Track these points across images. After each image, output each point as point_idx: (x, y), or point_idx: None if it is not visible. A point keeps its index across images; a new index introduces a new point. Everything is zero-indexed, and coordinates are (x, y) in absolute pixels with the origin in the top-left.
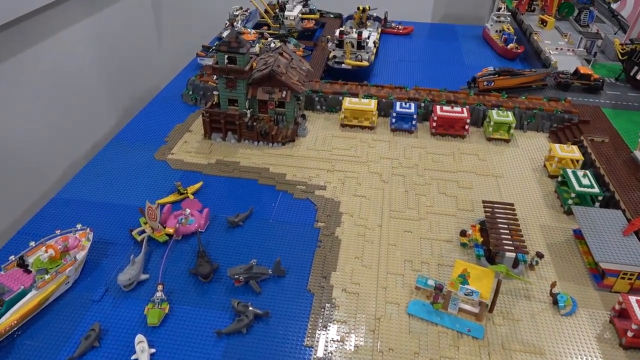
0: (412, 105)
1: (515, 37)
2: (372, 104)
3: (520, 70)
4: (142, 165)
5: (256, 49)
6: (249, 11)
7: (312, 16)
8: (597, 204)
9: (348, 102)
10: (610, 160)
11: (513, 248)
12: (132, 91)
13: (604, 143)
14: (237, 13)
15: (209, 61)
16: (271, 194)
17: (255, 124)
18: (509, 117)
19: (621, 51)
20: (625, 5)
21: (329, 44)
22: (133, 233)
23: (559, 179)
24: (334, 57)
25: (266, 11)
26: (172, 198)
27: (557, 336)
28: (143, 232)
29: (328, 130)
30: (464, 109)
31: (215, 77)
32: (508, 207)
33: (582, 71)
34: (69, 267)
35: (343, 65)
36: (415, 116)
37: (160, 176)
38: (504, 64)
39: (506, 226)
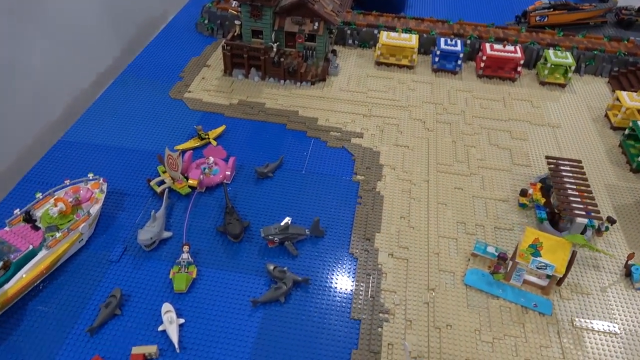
0: (458, 42)
1: None
2: (412, 40)
3: (577, 4)
4: (157, 105)
5: None
6: None
7: None
8: None
9: (386, 37)
10: None
11: (584, 212)
12: (137, 18)
13: None
14: None
15: None
16: (302, 140)
17: (282, 59)
18: (568, 58)
19: None
20: None
21: None
22: (151, 184)
23: (626, 131)
24: None
25: None
26: (192, 143)
27: (631, 313)
28: (162, 182)
29: (362, 69)
30: (517, 48)
31: (237, 4)
32: (575, 164)
33: None
34: (82, 224)
35: None
36: (461, 55)
37: (177, 118)
38: None
39: (574, 187)
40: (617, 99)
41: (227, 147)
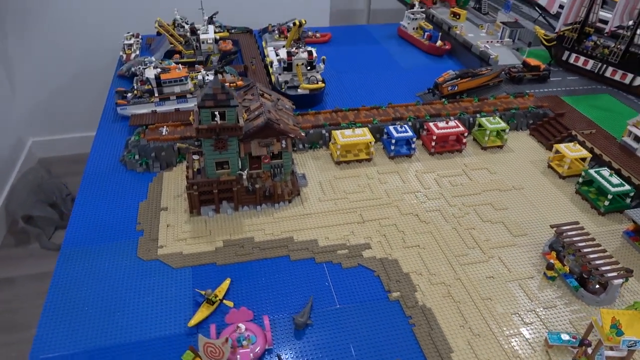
0: (406, 127)
1: (440, 34)
2: (367, 134)
3: (478, 70)
4: (131, 276)
5: (189, 86)
6: (155, 38)
7: (223, 34)
8: (628, 200)
9: (342, 137)
10: (609, 151)
11: (616, 274)
12: None
13: (592, 135)
14: (130, 42)
15: (135, 109)
16: (314, 269)
17: (257, 185)
18: (501, 123)
19: (545, 37)
20: None
21: (274, 67)
22: None
23: (580, 180)
24: (286, 82)
25: (171, 34)
26: (204, 313)
27: None
28: None
29: (325, 172)
30: (456, 122)
31: (165, 130)
32: (576, 226)
33: (532, 63)
34: None
35: (299, 90)
36: (414, 139)
37: (165, 284)
38: (433, 62)
39: (590, 249)
40: (557, 151)
41: (239, 301)
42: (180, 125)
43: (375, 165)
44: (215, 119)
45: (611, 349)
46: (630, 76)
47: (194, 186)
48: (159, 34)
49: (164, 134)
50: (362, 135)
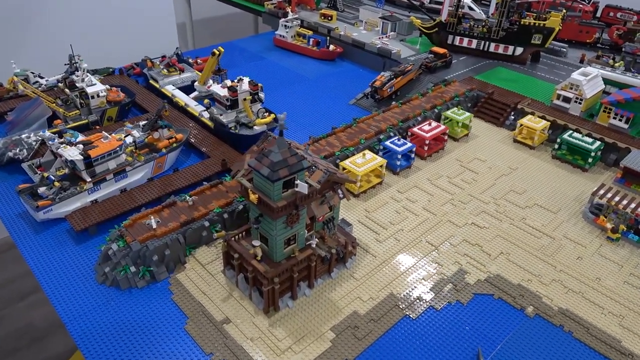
0: (401, 139)
1: (327, 39)
2: (377, 157)
3: (404, 67)
4: None
5: (122, 158)
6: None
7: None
8: (599, 153)
9: (356, 166)
10: (557, 115)
11: None
12: None
13: (530, 104)
14: None
15: (65, 207)
16: (440, 318)
17: (332, 250)
18: (465, 113)
19: (422, 25)
20: None
21: (212, 108)
22: None
23: (556, 146)
24: (238, 122)
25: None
26: None
27: None
28: None
29: (352, 209)
30: (431, 121)
31: (255, 223)
32: (607, 188)
33: (440, 52)
34: None
35: (256, 128)
36: (414, 149)
37: None
38: (333, 67)
39: (632, 202)
40: (521, 125)
41: None
42: (162, 209)
43: (390, 186)
44: (298, 188)
45: None
46: (511, 48)
47: (275, 278)
48: None
49: (154, 226)
50: (373, 159)
